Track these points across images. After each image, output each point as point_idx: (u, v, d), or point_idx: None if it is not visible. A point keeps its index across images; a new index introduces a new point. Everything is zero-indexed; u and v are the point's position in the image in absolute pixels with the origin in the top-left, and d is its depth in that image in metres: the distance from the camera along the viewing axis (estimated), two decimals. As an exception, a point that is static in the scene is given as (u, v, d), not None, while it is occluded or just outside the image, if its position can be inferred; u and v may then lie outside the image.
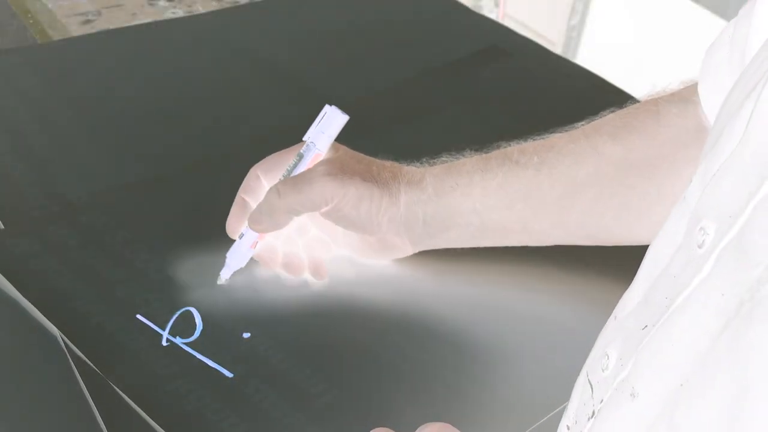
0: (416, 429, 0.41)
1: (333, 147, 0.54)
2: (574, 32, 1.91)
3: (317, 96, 0.76)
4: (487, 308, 0.55)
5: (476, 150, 0.55)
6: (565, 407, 0.48)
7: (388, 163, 0.55)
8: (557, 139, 0.53)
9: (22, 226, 0.57)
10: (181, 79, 0.77)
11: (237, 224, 0.54)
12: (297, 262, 0.55)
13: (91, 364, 0.48)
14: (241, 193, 0.55)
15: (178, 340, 0.50)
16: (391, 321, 0.53)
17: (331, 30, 0.88)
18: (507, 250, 0.59)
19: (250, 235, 0.53)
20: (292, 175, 0.53)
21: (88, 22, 0.86)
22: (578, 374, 0.49)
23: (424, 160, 0.56)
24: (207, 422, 0.45)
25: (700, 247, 0.29)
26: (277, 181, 0.53)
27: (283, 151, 0.55)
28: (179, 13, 0.89)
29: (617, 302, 0.37)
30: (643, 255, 0.37)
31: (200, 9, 0.90)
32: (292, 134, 0.68)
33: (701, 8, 1.69)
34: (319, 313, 0.53)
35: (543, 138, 0.54)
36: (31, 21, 0.85)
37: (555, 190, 0.52)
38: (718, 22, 1.69)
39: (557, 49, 1.65)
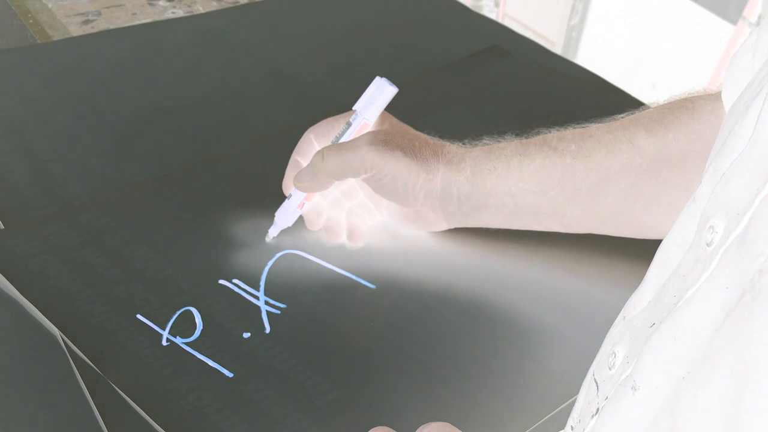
0: (417, 429, 0.41)
1: (382, 118, 0.57)
2: (574, 32, 1.91)
3: (317, 96, 0.76)
4: (487, 308, 0.55)
5: (517, 135, 0.57)
6: (564, 407, 0.48)
7: (432, 140, 0.57)
8: (596, 129, 0.55)
9: (22, 226, 0.57)
10: (181, 79, 0.77)
11: (289, 183, 0.58)
12: (337, 227, 0.59)
13: (91, 364, 0.48)
14: (295, 155, 0.58)
15: (178, 340, 0.50)
16: (391, 321, 0.53)
17: (331, 30, 0.88)
18: (510, 252, 0.59)
19: (298, 196, 0.57)
20: (339, 141, 0.56)
21: (88, 22, 0.86)
22: (578, 375, 0.49)
23: (467, 141, 0.58)
24: (207, 422, 0.45)
25: (708, 245, 0.29)
26: (327, 144, 0.56)
27: (336, 116, 0.58)
28: (179, 13, 0.89)
29: (619, 303, 0.37)
30: (648, 256, 0.37)
31: (200, 9, 0.90)
32: (292, 134, 0.68)
33: (701, 8, 1.69)
34: (320, 313, 0.53)
35: (583, 127, 0.55)
36: (31, 21, 0.85)
37: (589, 178, 0.53)
38: (718, 22, 1.69)
39: (557, 49, 1.65)
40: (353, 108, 0.57)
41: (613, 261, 0.59)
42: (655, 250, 0.36)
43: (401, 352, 0.51)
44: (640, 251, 0.59)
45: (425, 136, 0.57)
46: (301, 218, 0.58)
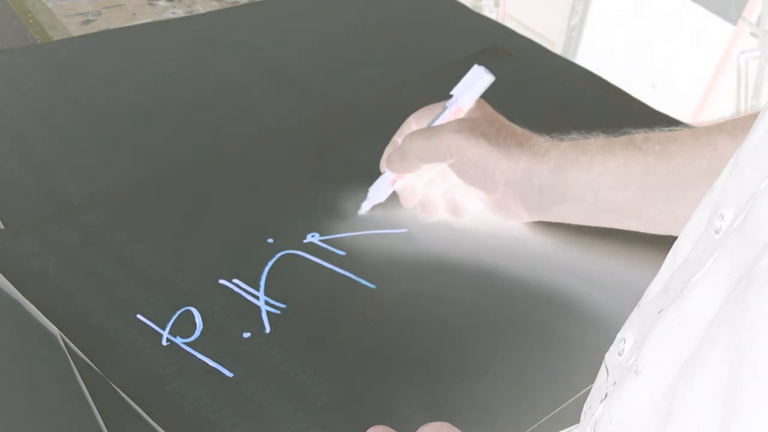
0: (417, 429, 0.41)
1: (477, 105, 0.59)
2: (574, 32, 1.91)
3: (317, 96, 0.76)
4: (487, 308, 0.55)
5: (605, 133, 0.58)
6: (565, 407, 0.48)
7: (520, 131, 0.58)
8: (682, 132, 0.55)
9: (22, 226, 0.57)
10: (180, 78, 0.77)
11: (384, 161, 0.61)
12: (431, 204, 0.61)
13: (92, 364, 0.48)
14: (395, 136, 0.61)
15: (178, 340, 0.50)
16: (391, 321, 0.53)
17: (331, 30, 0.88)
18: (510, 252, 0.59)
19: (389, 173, 0.60)
20: (433, 125, 0.58)
21: (88, 22, 0.86)
22: (578, 375, 0.50)
23: (554, 134, 0.59)
24: (207, 422, 0.45)
25: (717, 233, 0.30)
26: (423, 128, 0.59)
27: (437, 103, 0.60)
28: (179, 13, 0.89)
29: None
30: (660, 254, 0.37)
31: (200, 9, 0.90)
32: (291, 134, 0.68)
33: (701, 8, 1.69)
34: (320, 313, 0.53)
35: (670, 130, 0.56)
36: (31, 21, 0.85)
37: (669, 180, 0.54)
38: (719, 22, 1.69)
39: (557, 49, 1.65)
40: (450, 93, 0.59)
41: (614, 261, 0.59)
42: None
43: (401, 352, 0.51)
44: (645, 251, 0.59)
45: (515, 126, 0.58)
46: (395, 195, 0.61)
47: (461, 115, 0.58)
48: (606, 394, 0.34)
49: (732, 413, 0.25)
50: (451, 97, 0.59)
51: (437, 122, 0.58)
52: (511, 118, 0.68)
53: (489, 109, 0.59)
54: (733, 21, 1.68)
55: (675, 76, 1.69)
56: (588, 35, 1.91)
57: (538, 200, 0.57)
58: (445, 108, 0.59)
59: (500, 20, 1.43)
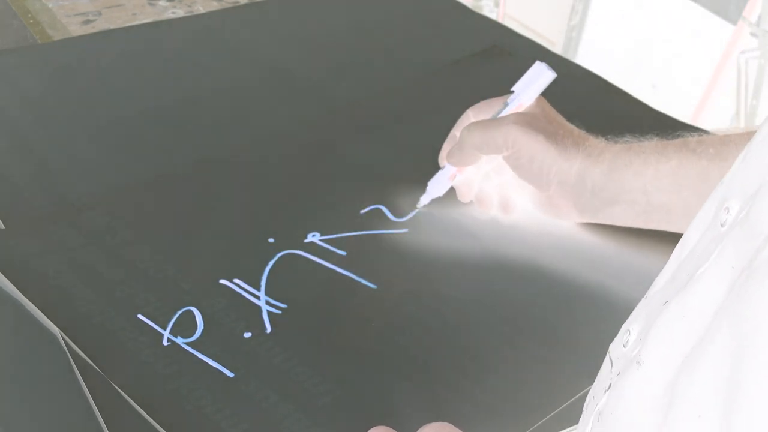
0: (417, 429, 0.41)
1: (537, 102, 0.59)
2: (574, 32, 1.91)
3: (317, 96, 0.76)
4: (487, 308, 0.55)
5: (658, 136, 0.58)
6: (565, 407, 0.48)
7: (577, 132, 0.59)
8: (737, 136, 0.56)
9: (22, 226, 0.57)
10: (180, 79, 0.77)
11: (444, 156, 0.61)
12: (487, 199, 0.62)
13: (92, 364, 0.48)
14: (454, 129, 0.62)
15: (179, 340, 0.50)
16: (392, 321, 0.53)
17: (331, 30, 0.88)
18: (511, 252, 0.59)
19: (449, 168, 0.60)
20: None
21: (88, 22, 0.86)
22: (579, 374, 0.49)
23: (609, 137, 0.59)
24: (208, 422, 0.45)
25: (722, 225, 0.30)
26: None
27: (496, 98, 0.61)
28: (179, 13, 0.89)
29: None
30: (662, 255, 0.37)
31: (200, 9, 0.90)
32: (292, 134, 0.68)
33: (701, 8, 1.69)
34: (320, 313, 0.53)
35: (724, 134, 0.57)
36: (31, 21, 0.85)
37: None
38: (719, 22, 1.69)
39: (557, 49, 1.65)
40: (511, 89, 0.59)
41: (615, 261, 0.59)
42: None
43: (401, 352, 0.51)
44: (650, 249, 0.59)
45: (572, 126, 0.59)
46: (453, 190, 0.62)
47: (521, 111, 0.59)
48: (609, 384, 0.34)
49: (733, 405, 0.25)
50: (511, 93, 0.59)
51: (499, 116, 0.59)
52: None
53: (549, 106, 0.60)
54: (733, 21, 1.68)
55: (675, 76, 1.69)
56: (588, 35, 1.91)
57: (590, 201, 0.57)
58: (506, 104, 0.59)
59: (500, 20, 1.43)
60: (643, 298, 0.37)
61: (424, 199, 0.62)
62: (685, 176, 0.54)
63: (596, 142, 0.58)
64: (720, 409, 0.25)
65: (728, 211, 0.30)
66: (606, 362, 0.36)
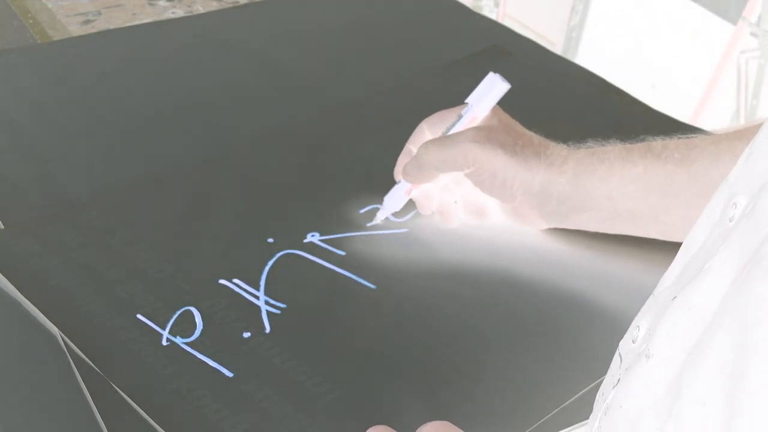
0: (417, 428, 0.41)
1: (492, 112, 0.58)
2: (574, 32, 1.91)
3: (317, 96, 0.76)
4: (487, 308, 0.55)
5: (621, 140, 0.58)
6: (565, 407, 0.48)
7: (537, 140, 0.58)
8: (701, 140, 0.55)
9: (22, 226, 0.57)
10: (181, 79, 0.77)
11: (399, 170, 0.60)
12: (449, 211, 0.61)
13: (92, 364, 0.48)
14: (409, 144, 0.61)
15: (178, 340, 0.50)
16: (392, 321, 0.53)
17: (331, 30, 0.88)
18: (511, 252, 0.59)
19: (405, 183, 0.59)
20: (449, 133, 0.58)
21: (88, 22, 0.86)
22: (579, 374, 0.50)
23: (571, 143, 0.58)
24: (207, 422, 0.45)
25: (730, 221, 0.30)
26: (439, 135, 0.58)
27: (449, 109, 0.60)
28: (179, 13, 0.89)
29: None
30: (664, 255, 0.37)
31: (200, 9, 0.90)
32: (292, 134, 0.68)
33: (701, 8, 1.69)
34: (320, 313, 0.53)
35: (688, 137, 0.56)
36: (31, 21, 0.85)
37: (690, 187, 0.53)
38: (718, 22, 1.69)
39: (557, 49, 1.65)
40: (465, 101, 0.58)
41: (619, 262, 0.59)
42: None
43: (401, 352, 0.51)
44: (652, 253, 0.59)
45: (531, 134, 0.58)
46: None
47: (476, 123, 0.58)
48: (618, 379, 0.35)
49: (736, 394, 0.25)
50: (465, 105, 0.58)
51: (453, 130, 0.58)
52: (512, 118, 0.68)
53: (505, 116, 0.59)
54: (733, 21, 1.68)
55: (675, 76, 1.69)
56: (588, 35, 1.91)
57: (556, 210, 0.57)
58: (460, 116, 0.58)
59: (500, 20, 1.43)
60: (651, 296, 0.38)
61: (381, 215, 0.61)
62: (651, 181, 0.54)
63: (558, 150, 0.57)
64: (723, 397, 0.25)
65: (736, 206, 0.30)
66: (615, 358, 0.37)
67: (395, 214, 0.61)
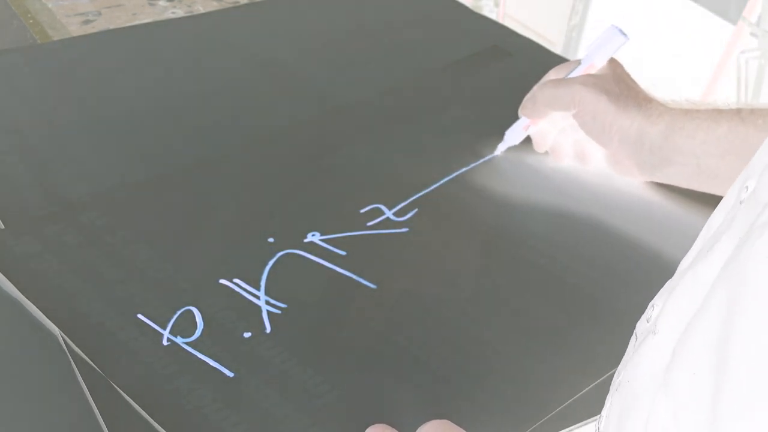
0: (417, 428, 0.41)
1: (609, 64, 0.64)
2: (574, 32, 1.91)
3: (317, 96, 0.76)
4: (488, 308, 0.55)
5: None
6: (565, 407, 0.48)
7: (643, 94, 0.62)
8: None
9: (22, 226, 0.57)
10: (181, 79, 0.77)
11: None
12: (560, 150, 0.67)
13: (92, 364, 0.48)
14: (535, 86, 0.66)
15: (178, 340, 0.50)
16: (392, 321, 0.53)
17: (331, 30, 0.88)
18: (511, 252, 0.59)
19: (524, 119, 0.66)
20: (567, 77, 0.64)
21: (88, 22, 0.86)
22: (580, 374, 0.50)
23: (673, 100, 0.63)
24: (208, 422, 0.45)
25: (741, 203, 0.31)
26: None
27: (573, 60, 0.66)
28: (179, 13, 0.89)
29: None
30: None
31: (200, 9, 0.90)
32: (292, 134, 0.68)
33: (701, 8, 1.69)
34: (320, 313, 0.53)
35: None
36: (31, 21, 0.85)
37: None
38: (718, 22, 1.69)
39: (557, 49, 1.65)
40: (586, 50, 0.64)
41: (616, 262, 0.59)
42: None
43: (401, 352, 0.51)
44: (653, 256, 0.59)
45: (640, 89, 0.63)
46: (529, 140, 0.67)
47: (593, 71, 0.63)
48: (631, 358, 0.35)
49: (724, 362, 0.25)
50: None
51: (572, 75, 0.63)
52: (512, 118, 0.68)
53: (621, 69, 0.63)
54: (733, 21, 1.68)
55: (675, 76, 1.69)
56: (588, 35, 1.91)
57: (648, 159, 0.61)
58: (579, 64, 0.64)
59: (500, 20, 1.43)
60: (670, 280, 0.38)
61: (501, 147, 0.67)
62: (731, 142, 0.57)
63: (658, 105, 0.61)
64: (712, 365, 0.26)
65: (747, 189, 0.32)
66: (632, 339, 0.38)
67: (396, 214, 0.61)
